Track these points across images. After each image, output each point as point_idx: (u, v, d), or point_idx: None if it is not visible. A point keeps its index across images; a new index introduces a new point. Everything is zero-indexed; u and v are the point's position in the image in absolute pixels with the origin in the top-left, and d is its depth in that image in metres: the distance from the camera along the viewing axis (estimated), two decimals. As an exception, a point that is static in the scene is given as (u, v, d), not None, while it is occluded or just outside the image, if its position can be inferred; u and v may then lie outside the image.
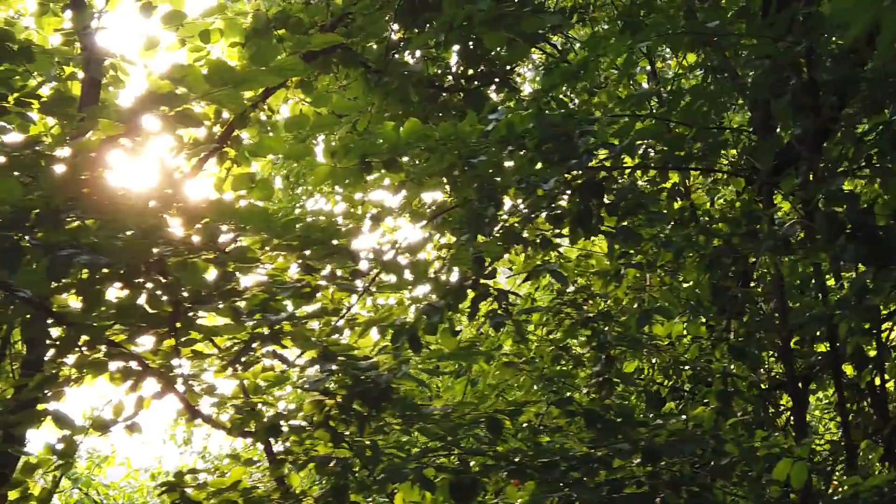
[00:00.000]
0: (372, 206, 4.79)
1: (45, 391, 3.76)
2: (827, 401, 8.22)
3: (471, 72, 8.64)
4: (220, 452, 13.27)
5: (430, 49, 8.80)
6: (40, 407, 5.72)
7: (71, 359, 6.35)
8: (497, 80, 8.62)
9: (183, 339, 3.50)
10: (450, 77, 8.76)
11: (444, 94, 8.56)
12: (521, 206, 4.12)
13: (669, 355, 4.71)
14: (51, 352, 6.10)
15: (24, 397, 4.15)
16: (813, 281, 5.57)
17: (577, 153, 4.28)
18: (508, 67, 8.76)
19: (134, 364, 3.60)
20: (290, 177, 11.01)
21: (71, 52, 5.68)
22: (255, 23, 6.96)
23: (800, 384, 5.47)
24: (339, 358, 3.52)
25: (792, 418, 5.65)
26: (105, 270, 3.28)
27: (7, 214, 2.95)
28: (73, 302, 4.07)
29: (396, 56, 7.93)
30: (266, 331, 3.40)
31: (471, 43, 8.25)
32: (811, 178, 4.93)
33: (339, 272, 3.48)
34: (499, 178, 4.02)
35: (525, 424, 3.96)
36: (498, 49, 7.98)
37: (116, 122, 3.21)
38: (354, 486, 3.63)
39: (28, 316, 5.38)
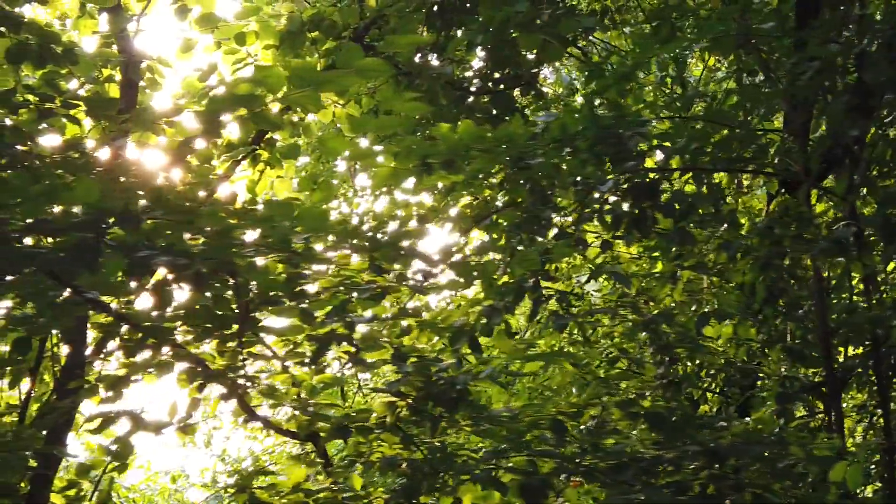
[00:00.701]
0: (417, 208, 4.79)
1: (108, 392, 3.74)
2: (854, 405, 8.18)
3: (496, 74, 8.65)
4: (240, 455, 13.25)
5: (457, 51, 8.83)
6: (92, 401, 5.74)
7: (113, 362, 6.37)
8: (523, 82, 8.64)
9: (247, 341, 3.51)
10: (476, 80, 8.76)
11: (471, 97, 8.56)
12: (577, 209, 4.12)
13: (721, 357, 4.71)
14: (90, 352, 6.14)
15: (82, 398, 4.15)
16: (854, 282, 5.56)
17: (631, 155, 4.28)
18: (534, 70, 8.78)
19: (190, 366, 3.60)
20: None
21: (114, 55, 5.69)
22: (290, 25, 6.98)
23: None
24: (410, 359, 3.52)
25: (826, 421, 5.65)
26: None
27: (85, 215, 2.95)
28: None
29: (424, 58, 7.95)
30: (336, 332, 3.40)
31: (503, 45, 8.23)
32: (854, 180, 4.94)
33: (409, 274, 3.48)
34: (555, 180, 4.01)
35: (583, 427, 3.96)
36: (523, 51, 8.00)
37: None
38: (425, 488, 3.64)
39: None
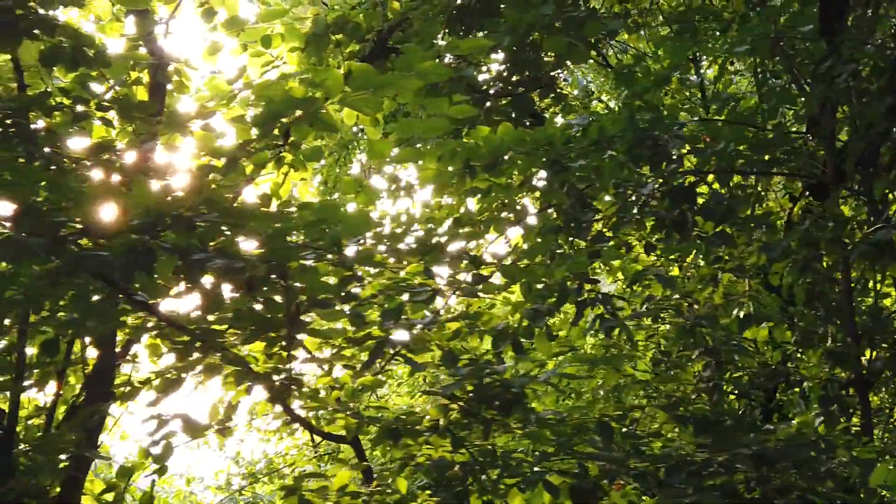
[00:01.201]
0: (447, 210, 4.79)
1: (160, 394, 3.74)
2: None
3: (515, 77, 8.64)
4: (254, 457, 13.25)
5: (477, 55, 8.84)
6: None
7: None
8: (542, 85, 8.63)
9: (295, 344, 3.51)
10: (494, 82, 8.74)
11: (491, 100, 8.56)
12: (617, 212, 4.12)
13: (756, 360, 4.70)
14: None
15: (125, 400, 4.15)
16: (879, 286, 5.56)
17: (669, 158, 4.29)
18: (553, 73, 8.78)
19: (238, 368, 3.60)
20: (327, 182, 11.07)
21: (144, 57, 5.70)
22: (315, 27, 6.99)
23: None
24: (461, 362, 3.52)
25: (854, 422, 5.64)
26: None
27: (140, 218, 2.96)
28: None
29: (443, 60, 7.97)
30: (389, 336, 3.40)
31: (524, 48, 8.21)
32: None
33: (460, 276, 3.49)
34: (596, 183, 4.01)
35: (624, 430, 3.95)
36: (546, 55, 8.00)
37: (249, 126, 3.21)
38: (475, 490, 3.64)
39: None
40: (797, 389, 5.23)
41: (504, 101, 8.48)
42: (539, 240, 4.52)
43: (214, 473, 13.27)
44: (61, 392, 6.19)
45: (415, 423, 3.76)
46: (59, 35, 5.05)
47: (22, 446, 5.46)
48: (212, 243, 3.12)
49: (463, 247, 3.91)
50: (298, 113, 3.11)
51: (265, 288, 3.39)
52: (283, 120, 3.14)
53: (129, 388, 4.26)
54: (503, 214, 4.53)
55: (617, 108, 11.29)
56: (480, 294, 3.64)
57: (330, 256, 3.05)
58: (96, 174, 4.60)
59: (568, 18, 6.59)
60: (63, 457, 5.83)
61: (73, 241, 2.97)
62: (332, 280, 3.32)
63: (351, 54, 7.26)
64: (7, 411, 5.42)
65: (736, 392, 4.89)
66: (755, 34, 4.31)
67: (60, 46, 5.14)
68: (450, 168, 3.83)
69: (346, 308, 3.33)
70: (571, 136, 4.46)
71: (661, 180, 4.15)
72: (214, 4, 6.71)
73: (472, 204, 5.38)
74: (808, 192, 6.26)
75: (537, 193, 4.70)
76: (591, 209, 4.12)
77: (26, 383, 5.45)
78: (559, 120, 10.32)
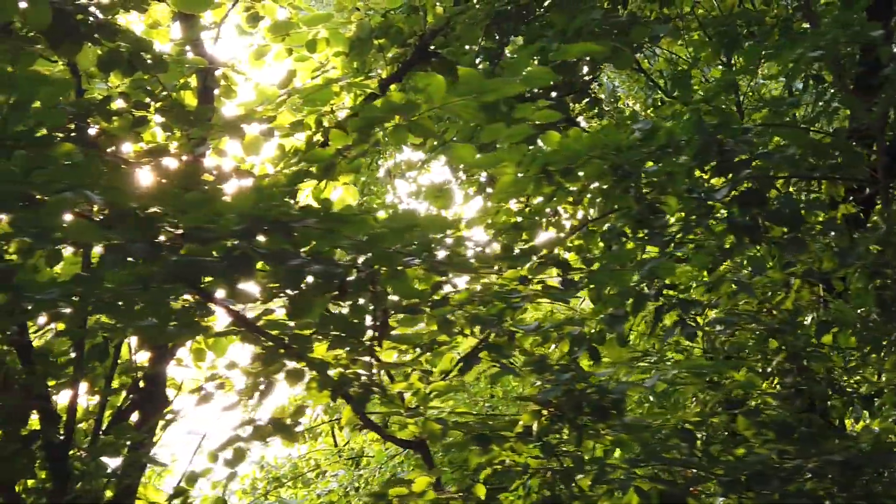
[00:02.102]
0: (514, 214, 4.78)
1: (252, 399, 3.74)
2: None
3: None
4: (279, 461, 13.25)
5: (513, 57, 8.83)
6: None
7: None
8: (576, 90, 8.63)
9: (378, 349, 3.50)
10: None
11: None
12: (687, 217, 4.11)
13: (825, 365, 4.69)
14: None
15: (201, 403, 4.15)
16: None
17: (738, 162, 4.28)
18: (587, 78, 8.78)
19: (321, 374, 3.60)
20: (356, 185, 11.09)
21: (201, 62, 5.70)
22: (359, 32, 7.00)
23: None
24: (555, 367, 3.52)
25: None
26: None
27: (238, 222, 2.95)
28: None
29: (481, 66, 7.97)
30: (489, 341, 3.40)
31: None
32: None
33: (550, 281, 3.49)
34: (669, 188, 4.01)
35: (701, 435, 3.94)
36: (586, 60, 8.00)
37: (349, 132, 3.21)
38: (565, 497, 3.63)
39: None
40: (839, 397, 5.21)
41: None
42: (601, 244, 4.53)
43: (240, 478, 13.27)
44: (108, 397, 6.20)
45: (502, 428, 3.76)
46: (119, 40, 5.07)
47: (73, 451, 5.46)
48: (303, 249, 3.11)
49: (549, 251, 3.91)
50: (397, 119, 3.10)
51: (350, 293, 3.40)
52: (386, 125, 3.13)
53: (203, 393, 4.25)
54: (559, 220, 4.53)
55: (644, 113, 11.31)
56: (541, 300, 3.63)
57: (417, 261, 3.04)
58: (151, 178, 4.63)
59: (614, 23, 6.61)
60: (116, 461, 5.85)
61: (170, 247, 2.97)
62: (418, 285, 3.32)
63: (393, 58, 7.26)
64: (59, 415, 5.42)
65: (817, 398, 4.87)
66: (826, 39, 4.29)
67: (118, 52, 5.16)
68: (520, 174, 3.82)
69: (427, 313, 3.33)
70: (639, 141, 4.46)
71: (731, 185, 4.14)
72: (259, 10, 6.73)
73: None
74: (850, 197, 6.26)
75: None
76: (662, 214, 4.11)
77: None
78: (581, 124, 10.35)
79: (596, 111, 8.96)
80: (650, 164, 4.46)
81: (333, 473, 10.25)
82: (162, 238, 3.00)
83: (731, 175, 4.26)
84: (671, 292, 3.86)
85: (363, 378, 3.63)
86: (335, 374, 3.62)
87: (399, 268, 3.16)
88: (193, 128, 5.31)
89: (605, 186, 4.46)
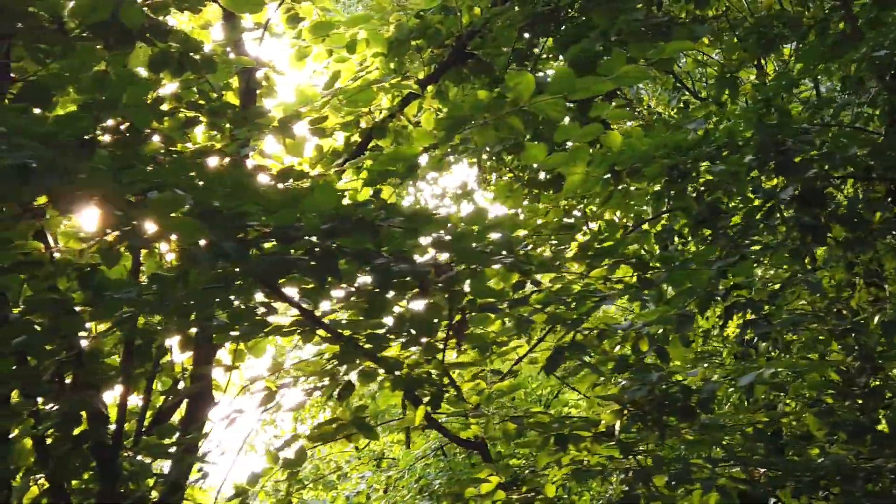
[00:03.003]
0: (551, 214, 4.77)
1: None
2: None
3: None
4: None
5: (543, 58, 8.83)
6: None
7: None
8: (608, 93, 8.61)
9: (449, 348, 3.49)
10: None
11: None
12: (749, 217, 4.10)
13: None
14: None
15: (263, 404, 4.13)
16: None
17: (798, 162, 4.27)
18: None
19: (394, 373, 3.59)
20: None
21: (249, 62, 5.70)
22: (398, 33, 6.99)
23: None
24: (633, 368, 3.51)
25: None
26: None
27: (322, 222, 2.94)
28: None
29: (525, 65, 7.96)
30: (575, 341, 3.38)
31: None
32: None
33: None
34: (733, 188, 3.99)
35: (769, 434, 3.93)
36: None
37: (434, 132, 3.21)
38: (644, 496, 3.62)
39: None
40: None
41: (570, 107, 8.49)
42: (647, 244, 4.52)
43: (263, 480, 13.22)
44: (150, 398, 6.20)
45: (580, 428, 3.75)
46: (171, 40, 5.07)
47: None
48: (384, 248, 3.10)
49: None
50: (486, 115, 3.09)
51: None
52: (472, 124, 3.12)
53: (267, 392, 4.24)
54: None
55: (667, 115, 11.27)
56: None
57: (509, 259, 3.02)
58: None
59: (654, 23, 6.59)
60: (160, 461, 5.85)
61: (256, 245, 2.96)
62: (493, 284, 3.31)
63: (430, 59, 7.26)
64: (107, 416, 5.42)
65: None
66: (891, 39, 4.27)
67: (169, 52, 5.16)
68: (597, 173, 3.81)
69: (506, 312, 3.32)
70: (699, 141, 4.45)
71: (794, 185, 4.13)
72: (300, 11, 6.72)
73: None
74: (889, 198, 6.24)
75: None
76: (724, 214, 4.10)
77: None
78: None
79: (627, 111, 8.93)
80: (705, 164, 4.45)
81: (360, 475, 10.23)
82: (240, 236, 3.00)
83: (790, 175, 4.25)
84: (740, 292, 3.84)
85: (433, 378, 3.61)
86: (403, 373, 3.61)
87: (476, 267, 3.15)
88: (241, 128, 5.30)
89: (657, 187, 4.46)
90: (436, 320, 3.33)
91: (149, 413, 6.10)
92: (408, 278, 3.05)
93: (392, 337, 3.38)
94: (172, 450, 5.72)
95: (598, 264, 3.44)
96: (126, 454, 5.37)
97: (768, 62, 9.36)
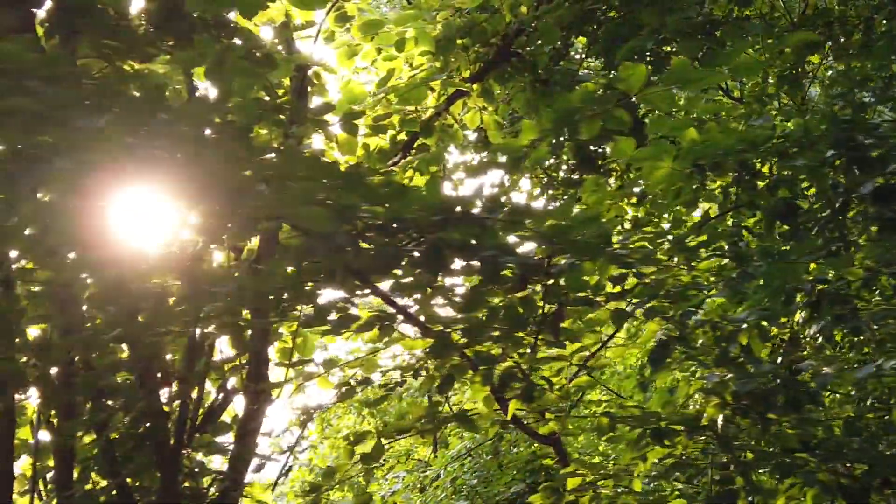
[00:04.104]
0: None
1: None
2: None
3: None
4: (327, 463, 13.25)
5: (587, 60, 8.83)
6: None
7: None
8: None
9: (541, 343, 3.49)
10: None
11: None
12: (829, 213, 4.09)
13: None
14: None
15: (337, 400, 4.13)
16: None
17: (873, 157, 4.26)
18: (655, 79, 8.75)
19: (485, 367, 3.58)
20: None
21: (311, 60, 5.70)
22: (446, 31, 7.00)
23: None
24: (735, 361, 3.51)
25: None
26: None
27: (430, 215, 2.94)
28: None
29: (560, 65, 7.96)
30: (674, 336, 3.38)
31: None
32: None
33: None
34: (813, 184, 3.98)
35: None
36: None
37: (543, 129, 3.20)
38: (743, 490, 3.62)
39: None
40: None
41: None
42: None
43: (290, 481, 13.26)
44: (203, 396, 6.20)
45: (675, 422, 3.74)
46: (236, 37, 5.06)
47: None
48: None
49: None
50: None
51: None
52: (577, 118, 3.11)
53: (345, 388, 4.24)
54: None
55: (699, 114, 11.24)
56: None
57: (623, 251, 3.02)
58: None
59: (698, 23, 6.59)
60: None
61: (364, 238, 2.96)
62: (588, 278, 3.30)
63: (476, 58, 7.26)
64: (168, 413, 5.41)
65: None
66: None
67: (232, 48, 5.14)
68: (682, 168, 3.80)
69: (604, 306, 3.31)
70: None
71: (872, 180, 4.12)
72: (349, 10, 6.72)
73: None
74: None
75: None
76: (801, 210, 4.09)
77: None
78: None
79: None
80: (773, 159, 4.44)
81: (396, 475, 10.23)
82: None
83: (867, 171, 4.23)
84: (823, 286, 3.83)
85: (521, 373, 3.61)
86: (497, 368, 3.60)
87: (575, 260, 3.14)
88: (300, 125, 5.30)
89: (723, 183, 4.45)
90: (533, 314, 3.33)
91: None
92: (533, 272, 3.03)
93: (488, 331, 3.38)
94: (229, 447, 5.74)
95: (694, 258, 3.43)
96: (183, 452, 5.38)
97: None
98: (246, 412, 5.84)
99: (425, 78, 6.35)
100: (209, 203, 2.51)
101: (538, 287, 3.28)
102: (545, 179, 9.64)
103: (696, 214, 6.38)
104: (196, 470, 5.60)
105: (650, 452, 3.82)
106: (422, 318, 3.70)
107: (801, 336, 5.66)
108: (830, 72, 7.95)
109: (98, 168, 2.01)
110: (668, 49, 6.89)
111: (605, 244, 3.13)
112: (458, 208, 2.99)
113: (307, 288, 3.46)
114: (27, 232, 3.26)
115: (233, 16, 5.43)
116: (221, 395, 6.08)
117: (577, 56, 9.30)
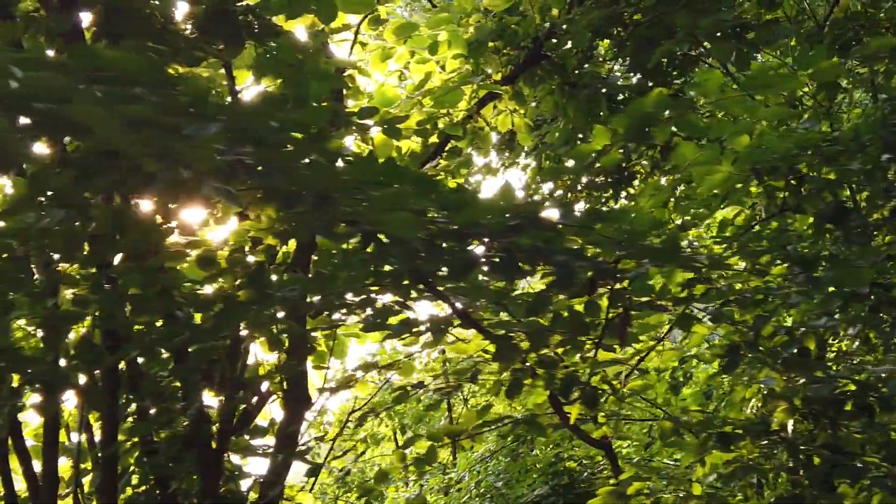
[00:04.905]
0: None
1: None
2: None
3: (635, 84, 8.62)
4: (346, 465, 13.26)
5: (611, 63, 8.83)
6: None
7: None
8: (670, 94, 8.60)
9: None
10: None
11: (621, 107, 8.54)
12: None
13: None
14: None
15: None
16: None
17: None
18: (678, 83, 8.76)
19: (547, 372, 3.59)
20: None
21: (351, 64, 5.70)
22: (478, 35, 7.01)
23: None
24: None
25: None
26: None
27: (501, 220, 2.94)
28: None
29: (586, 67, 7.97)
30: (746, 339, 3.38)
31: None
32: None
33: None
34: (870, 186, 3.98)
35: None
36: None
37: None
38: (810, 496, 3.61)
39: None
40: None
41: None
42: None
43: (308, 482, 13.24)
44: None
45: (742, 427, 3.74)
46: (281, 41, 5.06)
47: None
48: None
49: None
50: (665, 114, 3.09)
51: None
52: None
53: (399, 392, 4.24)
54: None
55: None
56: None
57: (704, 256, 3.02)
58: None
59: (737, 25, 6.59)
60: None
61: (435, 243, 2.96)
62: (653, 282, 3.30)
63: (507, 60, 7.28)
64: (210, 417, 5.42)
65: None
66: None
67: (272, 53, 5.15)
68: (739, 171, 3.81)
69: (671, 310, 3.32)
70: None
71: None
72: (382, 13, 6.73)
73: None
74: None
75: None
76: (857, 213, 4.09)
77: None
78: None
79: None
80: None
81: (420, 479, 10.22)
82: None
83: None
84: (879, 290, 3.83)
85: (582, 377, 3.61)
86: (559, 372, 3.60)
87: (643, 264, 3.14)
88: (340, 128, 5.30)
89: (776, 186, 4.44)
90: (598, 318, 3.33)
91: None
92: (607, 276, 3.03)
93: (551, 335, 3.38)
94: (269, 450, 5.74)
95: (760, 262, 3.43)
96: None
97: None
98: (286, 415, 5.85)
99: (461, 81, 6.35)
100: (292, 209, 2.51)
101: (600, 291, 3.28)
102: (569, 182, 9.64)
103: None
104: (236, 473, 5.61)
105: (708, 457, 3.82)
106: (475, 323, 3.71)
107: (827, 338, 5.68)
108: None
109: (207, 176, 2.01)
110: (691, 52, 6.89)
111: (675, 249, 3.13)
112: (530, 213, 2.99)
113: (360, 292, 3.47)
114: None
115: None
116: (256, 399, 6.10)
117: (600, 59, 9.29)
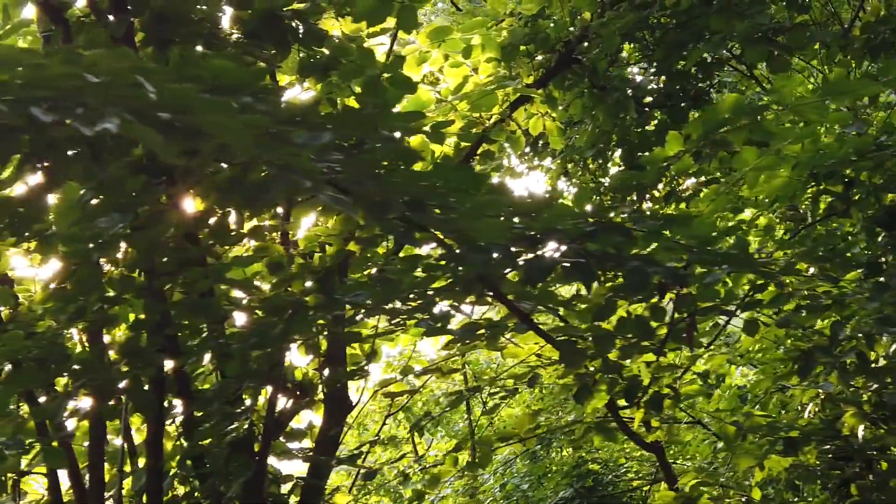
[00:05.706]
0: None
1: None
2: None
3: (662, 88, 8.62)
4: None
5: (638, 65, 8.85)
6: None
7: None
8: (692, 96, 8.62)
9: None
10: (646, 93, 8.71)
11: (647, 110, 8.55)
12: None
13: None
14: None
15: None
16: None
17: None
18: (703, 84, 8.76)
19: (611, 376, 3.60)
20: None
21: (381, 66, 5.71)
22: (511, 38, 7.03)
23: None
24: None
25: None
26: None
27: (576, 226, 2.96)
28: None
29: (609, 70, 7.98)
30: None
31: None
32: None
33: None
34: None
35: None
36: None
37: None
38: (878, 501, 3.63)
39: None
40: None
41: (658, 113, 8.51)
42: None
43: (328, 485, 13.27)
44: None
45: (810, 432, 3.76)
46: (325, 46, 5.09)
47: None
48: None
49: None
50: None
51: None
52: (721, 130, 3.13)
53: (454, 396, 4.25)
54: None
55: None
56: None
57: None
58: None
59: (770, 28, 6.60)
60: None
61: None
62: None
63: (539, 64, 7.30)
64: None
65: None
66: None
67: (317, 57, 5.18)
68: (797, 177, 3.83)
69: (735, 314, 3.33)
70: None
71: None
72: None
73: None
74: None
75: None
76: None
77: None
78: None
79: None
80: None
81: (446, 480, 10.23)
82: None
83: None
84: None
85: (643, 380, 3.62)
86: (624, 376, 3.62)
87: (713, 269, 3.15)
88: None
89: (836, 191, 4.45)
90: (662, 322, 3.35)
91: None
92: (680, 282, 3.05)
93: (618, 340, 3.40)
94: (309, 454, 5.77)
95: (827, 267, 3.45)
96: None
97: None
98: (325, 419, 5.87)
99: (497, 84, 6.36)
100: (384, 216, 2.53)
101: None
102: (592, 184, 9.66)
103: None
104: (278, 477, 5.63)
105: (766, 461, 3.83)
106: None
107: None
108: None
109: (323, 184, 2.02)
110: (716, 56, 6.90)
111: (748, 254, 3.15)
112: (606, 218, 3.01)
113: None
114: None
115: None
116: (290, 402, 6.12)
117: (624, 62, 9.30)
